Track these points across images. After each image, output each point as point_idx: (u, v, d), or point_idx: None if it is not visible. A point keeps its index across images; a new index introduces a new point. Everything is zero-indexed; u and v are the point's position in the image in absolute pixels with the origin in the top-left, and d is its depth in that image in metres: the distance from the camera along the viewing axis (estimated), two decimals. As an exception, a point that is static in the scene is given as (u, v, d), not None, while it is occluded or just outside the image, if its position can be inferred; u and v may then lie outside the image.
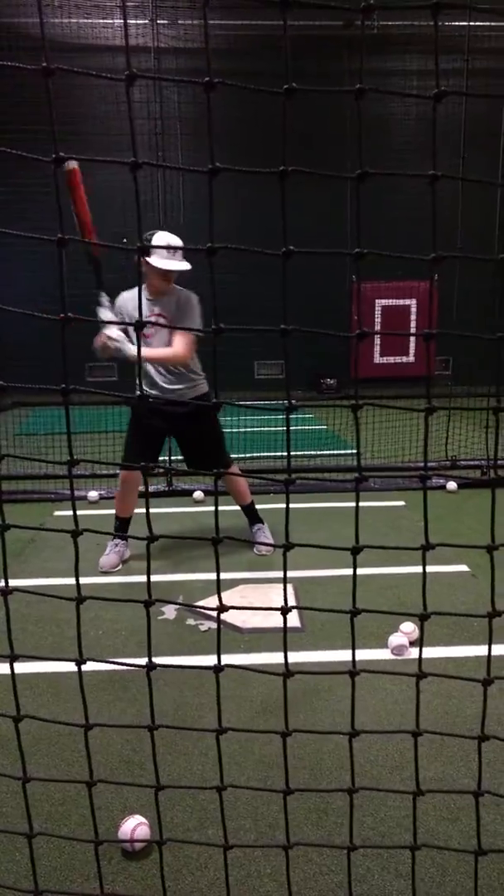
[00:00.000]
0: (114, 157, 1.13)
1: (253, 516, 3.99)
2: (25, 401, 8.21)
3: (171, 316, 3.52)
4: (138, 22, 7.79)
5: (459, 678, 1.23)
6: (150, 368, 3.59)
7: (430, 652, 2.69)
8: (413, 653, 2.70)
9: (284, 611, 1.08)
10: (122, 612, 3.07)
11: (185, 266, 3.43)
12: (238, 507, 3.97)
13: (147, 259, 3.35)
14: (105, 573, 3.61)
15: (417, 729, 1.13)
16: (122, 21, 7.73)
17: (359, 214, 0.97)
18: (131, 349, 3.35)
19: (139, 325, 1.06)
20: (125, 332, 3.37)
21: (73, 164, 3.04)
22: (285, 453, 1.11)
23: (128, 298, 3.60)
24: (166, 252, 3.40)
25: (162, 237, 3.44)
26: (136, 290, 3.59)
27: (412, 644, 2.73)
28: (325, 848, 1.76)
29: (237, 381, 9.47)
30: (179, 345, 3.46)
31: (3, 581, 1.08)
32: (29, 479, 5.04)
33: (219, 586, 1.18)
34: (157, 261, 3.39)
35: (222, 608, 1.08)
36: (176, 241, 3.44)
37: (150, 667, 1.12)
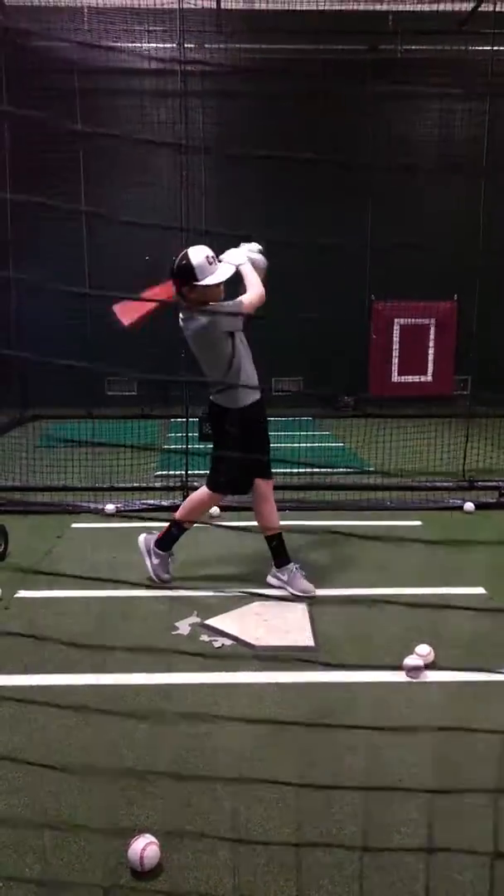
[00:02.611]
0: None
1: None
2: (45, 414, 8.28)
3: (192, 329, 3.36)
4: (165, 46, 7.93)
5: (478, 729, 1.21)
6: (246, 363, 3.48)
7: (443, 675, 2.66)
8: (429, 675, 2.66)
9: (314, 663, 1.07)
10: (137, 626, 3.07)
11: (231, 269, 3.33)
12: (257, 524, 3.75)
13: (197, 283, 3.21)
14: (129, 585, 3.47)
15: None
16: (150, 45, 7.89)
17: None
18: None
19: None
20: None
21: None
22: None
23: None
24: (207, 265, 3.23)
25: (197, 252, 3.26)
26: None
27: (427, 666, 2.70)
28: (336, 871, 1.74)
29: (255, 397, 9.46)
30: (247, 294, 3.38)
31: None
32: (48, 490, 5.07)
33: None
34: (213, 278, 3.24)
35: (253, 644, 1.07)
36: (208, 249, 3.31)
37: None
